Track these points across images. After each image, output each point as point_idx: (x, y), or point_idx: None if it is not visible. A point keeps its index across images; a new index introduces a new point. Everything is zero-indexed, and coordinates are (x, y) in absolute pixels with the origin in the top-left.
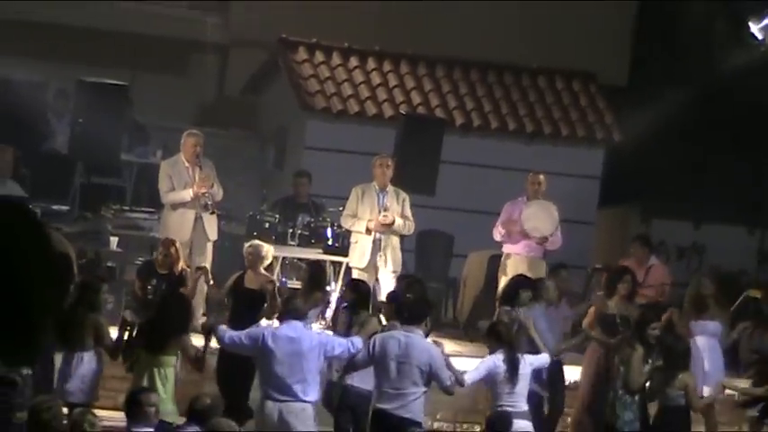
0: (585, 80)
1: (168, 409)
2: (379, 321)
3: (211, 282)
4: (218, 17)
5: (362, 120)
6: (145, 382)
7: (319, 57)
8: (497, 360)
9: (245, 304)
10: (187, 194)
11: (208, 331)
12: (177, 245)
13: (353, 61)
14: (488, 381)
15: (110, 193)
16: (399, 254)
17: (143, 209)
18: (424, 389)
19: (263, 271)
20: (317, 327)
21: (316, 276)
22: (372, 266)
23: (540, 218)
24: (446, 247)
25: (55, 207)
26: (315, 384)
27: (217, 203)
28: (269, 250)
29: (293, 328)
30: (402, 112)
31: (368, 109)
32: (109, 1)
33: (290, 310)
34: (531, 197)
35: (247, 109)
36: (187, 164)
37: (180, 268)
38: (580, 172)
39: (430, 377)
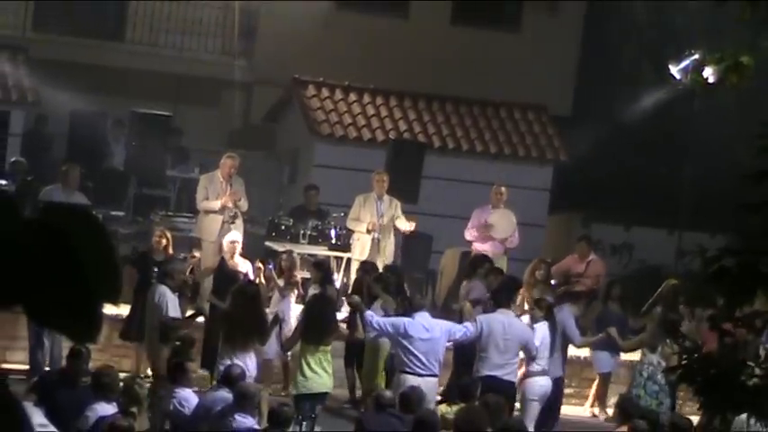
0: (538, 111)
1: (329, 385)
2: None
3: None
4: (244, 61)
5: (359, 143)
6: (310, 367)
7: (325, 93)
8: (546, 330)
9: (227, 282)
10: (216, 205)
11: (356, 309)
12: (168, 234)
13: (352, 96)
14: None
15: (157, 201)
16: (392, 249)
17: (184, 214)
18: (519, 358)
19: (238, 258)
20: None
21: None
22: (371, 260)
23: (503, 222)
24: (426, 245)
25: (113, 213)
26: (441, 362)
27: (243, 213)
28: (237, 236)
29: (424, 317)
30: (391, 137)
31: (364, 134)
32: (156, 48)
33: (419, 303)
34: (494, 205)
35: (267, 134)
36: (222, 180)
37: (170, 253)
38: (534, 185)
39: (523, 348)
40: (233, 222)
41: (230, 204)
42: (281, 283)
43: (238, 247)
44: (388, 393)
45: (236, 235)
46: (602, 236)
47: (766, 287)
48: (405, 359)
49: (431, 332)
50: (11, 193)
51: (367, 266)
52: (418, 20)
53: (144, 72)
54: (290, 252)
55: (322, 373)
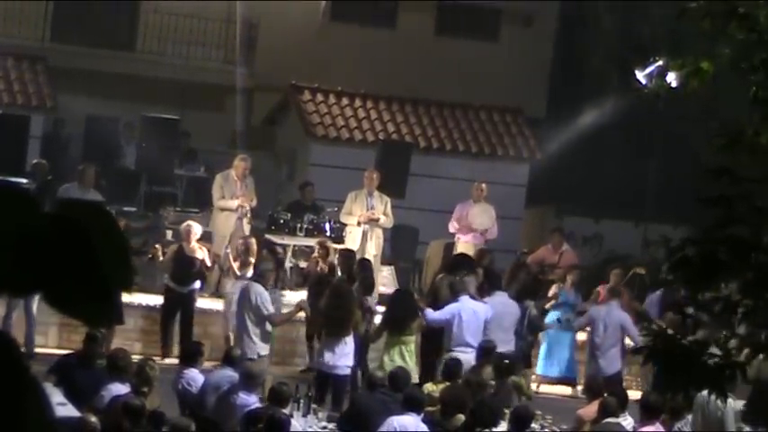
0: (515, 113)
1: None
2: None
3: (160, 258)
4: (245, 69)
5: (352, 143)
6: (394, 356)
7: (320, 97)
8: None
9: (185, 267)
10: (233, 204)
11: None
12: (121, 223)
13: (345, 100)
14: None
15: (166, 198)
16: (381, 241)
17: (190, 209)
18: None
19: (194, 243)
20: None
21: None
22: (361, 250)
23: (482, 215)
24: (413, 236)
25: (125, 208)
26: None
27: (253, 209)
28: (198, 228)
29: (469, 301)
30: (380, 138)
31: (355, 136)
32: (165, 57)
33: (461, 288)
34: (475, 200)
35: (267, 136)
36: (236, 179)
37: None
38: (511, 181)
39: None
40: (250, 222)
41: (247, 205)
42: (236, 266)
43: (195, 234)
44: (379, 374)
45: (192, 223)
46: (574, 228)
47: (725, 274)
48: (455, 339)
49: (477, 315)
50: (32, 190)
51: (346, 254)
52: (405, 30)
53: (153, 79)
54: (246, 237)
55: (400, 362)
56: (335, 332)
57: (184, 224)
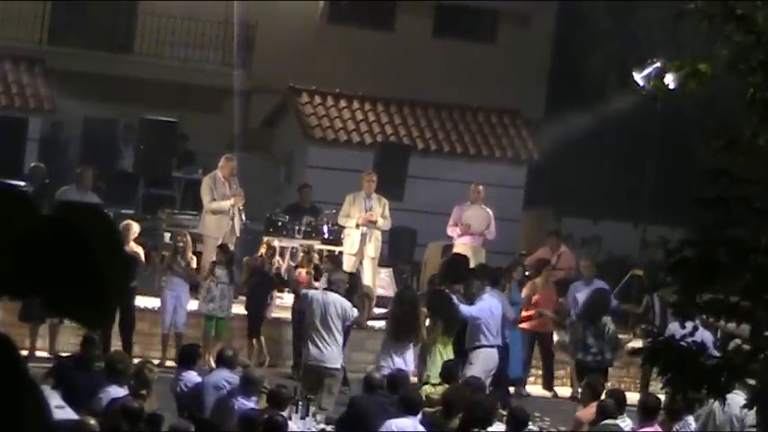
0: (513, 115)
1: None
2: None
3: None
4: (243, 71)
5: (349, 146)
6: (433, 356)
7: (317, 99)
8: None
9: None
10: (226, 204)
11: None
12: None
13: (342, 103)
14: None
15: (164, 200)
16: (380, 244)
17: (188, 212)
18: None
19: (132, 243)
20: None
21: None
22: (359, 253)
23: (479, 217)
24: (411, 238)
25: (123, 211)
26: None
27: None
28: (136, 227)
29: (489, 299)
30: (378, 140)
31: (353, 138)
32: (162, 59)
33: (479, 286)
34: (473, 202)
35: (265, 138)
36: (224, 180)
37: None
38: (509, 183)
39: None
40: (242, 220)
41: (240, 204)
42: (180, 264)
43: (133, 233)
44: (377, 375)
45: (131, 222)
46: (572, 229)
47: (723, 275)
48: (481, 335)
49: (498, 311)
50: (30, 192)
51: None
52: (403, 32)
53: (151, 81)
54: (183, 234)
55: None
56: (405, 338)
57: (123, 223)
